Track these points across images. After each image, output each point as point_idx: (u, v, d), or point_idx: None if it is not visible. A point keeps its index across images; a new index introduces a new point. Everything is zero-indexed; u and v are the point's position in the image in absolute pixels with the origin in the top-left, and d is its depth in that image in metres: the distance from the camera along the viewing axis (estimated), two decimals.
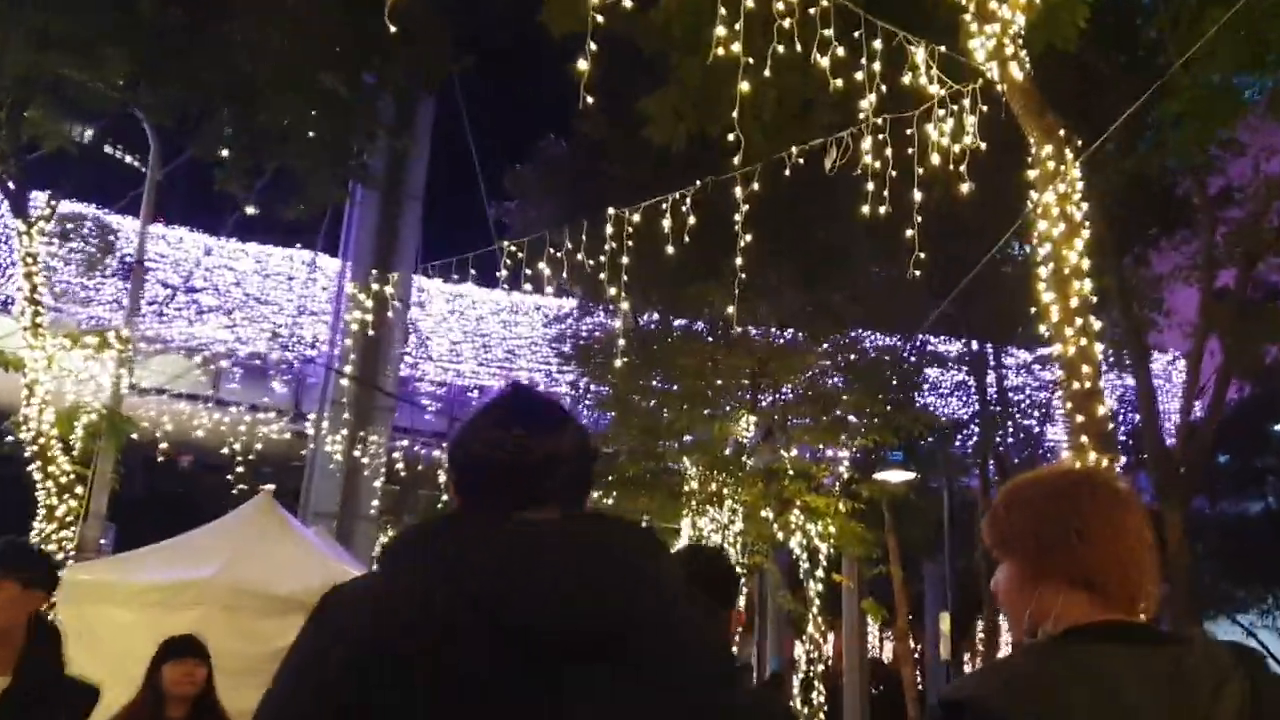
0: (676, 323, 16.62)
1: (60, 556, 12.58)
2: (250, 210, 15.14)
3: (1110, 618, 1.72)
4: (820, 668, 17.13)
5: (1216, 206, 13.92)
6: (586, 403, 16.75)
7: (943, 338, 23.62)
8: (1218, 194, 14.29)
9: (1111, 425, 6.45)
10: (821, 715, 17.75)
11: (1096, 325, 6.73)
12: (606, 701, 1.45)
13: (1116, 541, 1.74)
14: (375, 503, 21.61)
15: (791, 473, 14.44)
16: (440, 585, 1.45)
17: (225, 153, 14.33)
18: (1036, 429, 24.86)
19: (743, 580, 19.47)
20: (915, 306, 17.63)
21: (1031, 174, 7.18)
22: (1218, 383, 13.49)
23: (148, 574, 12.19)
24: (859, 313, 18.28)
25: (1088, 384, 6.48)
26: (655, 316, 16.57)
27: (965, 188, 7.00)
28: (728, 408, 15.63)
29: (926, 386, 20.29)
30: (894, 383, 17.18)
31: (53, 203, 13.31)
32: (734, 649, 3.04)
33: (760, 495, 15.72)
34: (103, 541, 15.90)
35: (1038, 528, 1.79)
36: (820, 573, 15.70)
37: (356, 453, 20.97)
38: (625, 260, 8.66)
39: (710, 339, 15.07)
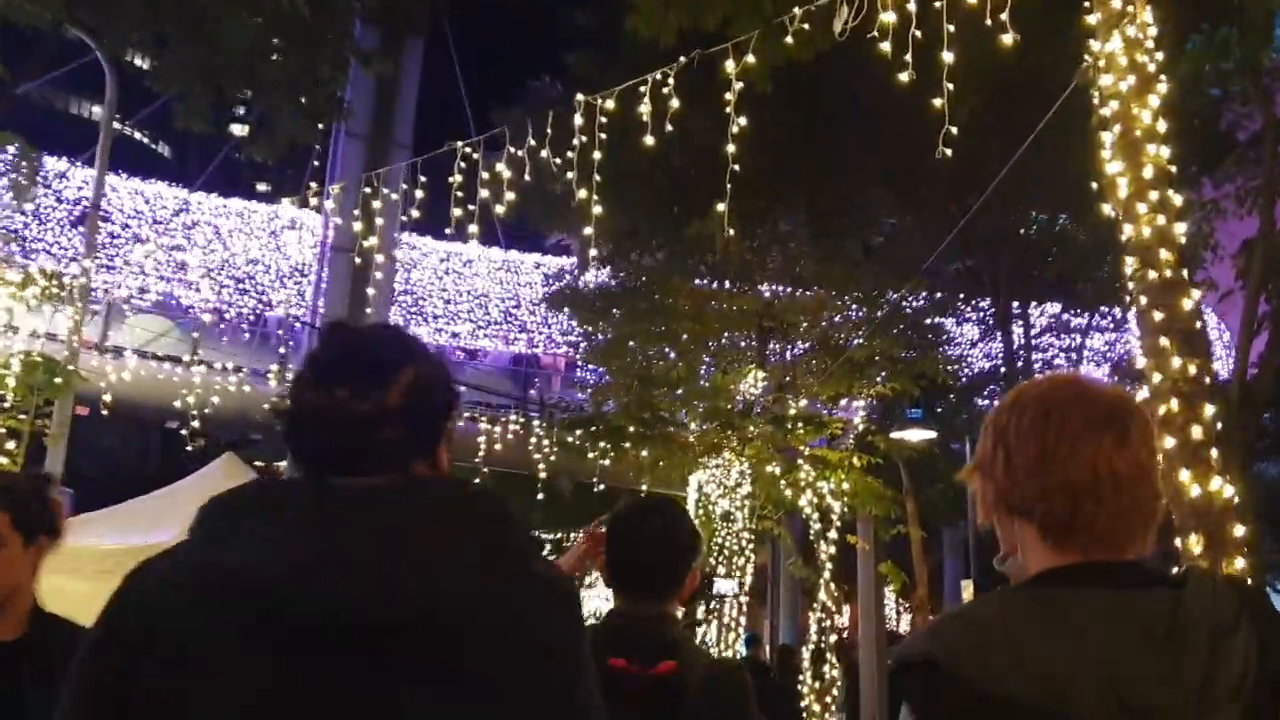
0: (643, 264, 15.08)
1: None
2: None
3: (1088, 559, 1.49)
4: (833, 638, 15.74)
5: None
6: (581, 358, 15.41)
7: (963, 298, 22.17)
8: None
9: (1199, 324, 4.99)
10: (835, 690, 16.39)
11: (1177, 200, 5.26)
12: (396, 707, 1.30)
13: (1077, 467, 1.49)
14: None
15: (801, 423, 12.97)
16: (213, 566, 1.34)
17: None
18: None
19: (750, 547, 18.23)
20: (936, 259, 16.25)
21: (1092, 19, 5.70)
22: (1273, 329, 11.94)
23: (102, 539, 11.29)
24: (874, 266, 16.81)
25: (1168, 272, 5.04)
26: (650, 259, 15.13)
27: (1009, 39, 5.52)
28: (733, 360, 14.20)
29: (947, 340, 18.76)
30: (913, 330, 15.70)
31: None
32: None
33: (764, 447, 14.31)
34: None
35: (991, 446, 1.59)
36: (833, 534, 14.25)
37: None
38: (597, 155, 7.24)
39: (712, 282, 13.58)
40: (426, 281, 25.88)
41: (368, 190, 13.07)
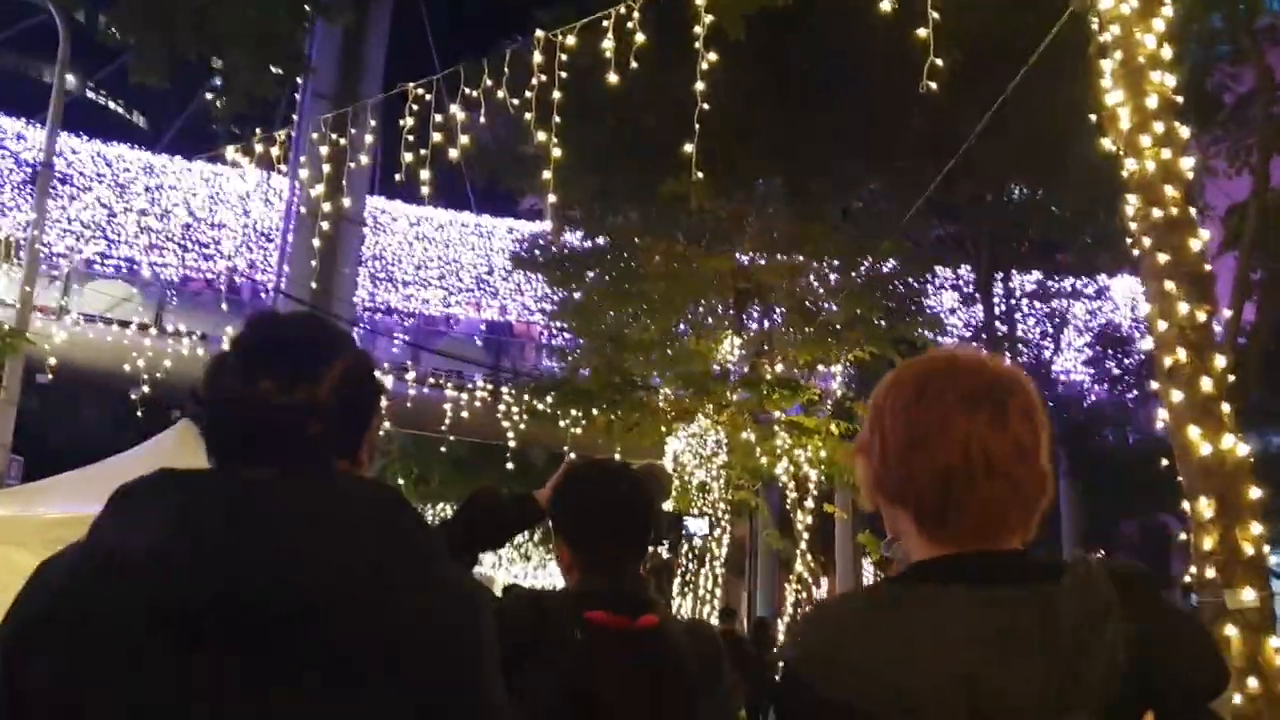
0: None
1: None
2: None
3: (960, 550, 1.39)
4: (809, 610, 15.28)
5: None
6: (556, 324, 14.90)
7: (943, 265, 21.77)
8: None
9: (1208, 268, 4.52)
10: None
11: (1184, 133, 4.78)
12: (268, 700, 1.27)
13: (946, 449, 1.38)
14: None
15: (777, 388, 12.49)
16: (101, 554, 1.32)
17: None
18: (1048, 355, 23.06)
19: (726, 518, 17.85)
20: (914, 226, 15.79)
21: None
22: (1264, 292, 11.52)
23: (51, 507, 10.83)
24: (851, 230, 16.30)
25: (1174, 210, 4.57)
26: (623, 218, 14.56)
27: None
28: (709, 322, 13.72)
29: (923, 304, 18.33)
30: (894, 290, 15.21)
31: None
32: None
33: (740, 414, 13.87)
34: (10, 480, 14.26)
35: (869, 428, 1.50)
36: (810, 503, 13.82)
37: None
38: (557, 95, 6.72)
39: (686, 241, 13.04)
40: (396, 246, 25.22)
41: (317, 139, 12.46)
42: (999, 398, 1.41)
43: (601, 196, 13.71)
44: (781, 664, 1.39)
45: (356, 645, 1.30)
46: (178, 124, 20.37)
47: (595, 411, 13.33)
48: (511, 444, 20.04)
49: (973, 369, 1.45)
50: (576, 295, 14.42)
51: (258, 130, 14.54)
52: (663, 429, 14.01)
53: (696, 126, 6.25)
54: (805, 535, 13.95)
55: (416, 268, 25.05)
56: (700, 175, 7.77)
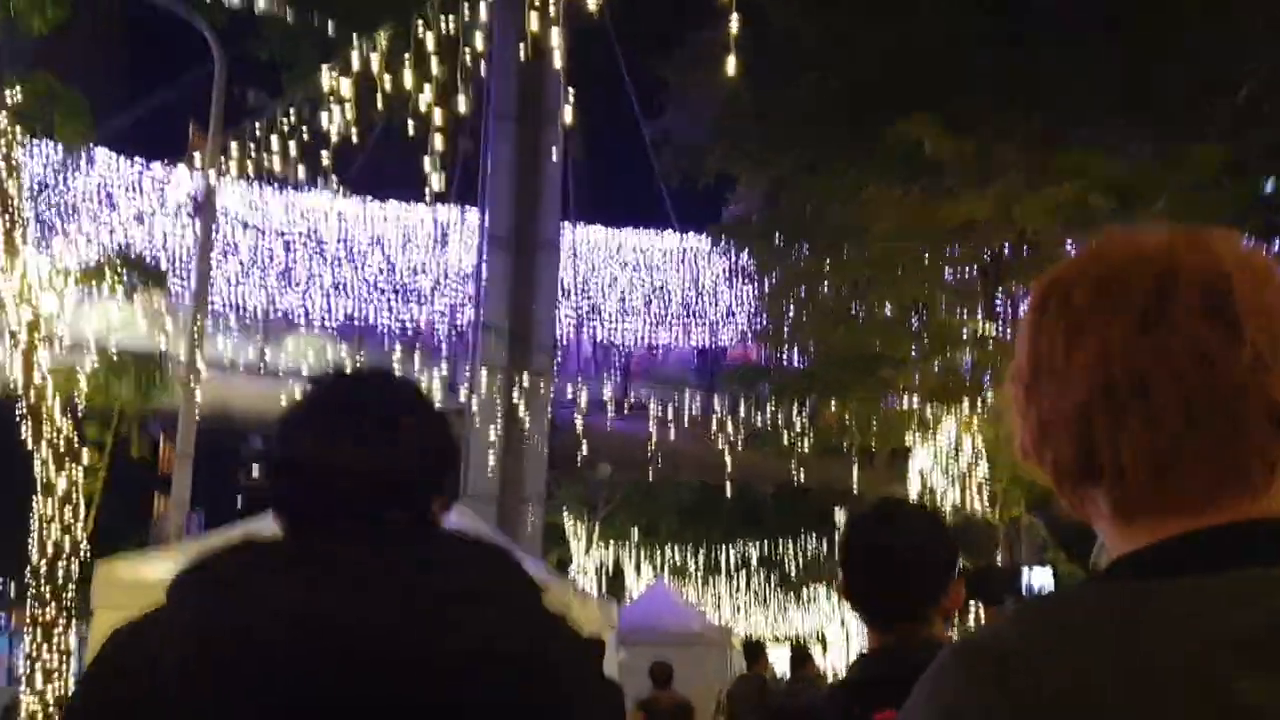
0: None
1: (67, 545, 9.36)
2: None
3: (1204, 523, 0.88)
4: None
5: None
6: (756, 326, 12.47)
7: None
8: None
9: None
10: None
11: None
12: None
13: (1081, 376, 0.90)
14: (539, 482, 18.00)
15: None
16: (205, 632, 1.24)
17: None
18: None
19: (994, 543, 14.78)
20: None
21: None
22: None
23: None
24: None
25: None
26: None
27: None
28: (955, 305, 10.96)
29: None
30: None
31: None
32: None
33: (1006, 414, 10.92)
34: (189, 537, 13.01)
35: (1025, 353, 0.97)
36: None
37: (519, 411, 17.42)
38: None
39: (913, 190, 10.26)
40: (596, 273, 23.51)
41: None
42: (1153, 290, 0.88)
43: (809, 170, 11.26)
44: (981, 653, 0.88)
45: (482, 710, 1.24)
46: (357, 164, 19.51)
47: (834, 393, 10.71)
48: (729, 475, 17.73)
49: (1120, 249, 0.92)
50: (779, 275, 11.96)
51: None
52: (908, 432, 11.25)
53: None
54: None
55: (620, 296, 23.22)
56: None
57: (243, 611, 1.22)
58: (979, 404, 11.16)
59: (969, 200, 9.10)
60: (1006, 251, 10.64)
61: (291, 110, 11.56)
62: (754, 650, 10.44)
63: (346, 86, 10.47)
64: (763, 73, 11.59)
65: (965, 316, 10.83)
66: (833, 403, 10.92)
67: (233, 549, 1.30)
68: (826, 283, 10.97)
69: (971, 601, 13.79)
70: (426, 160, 11.09)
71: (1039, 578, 13.72)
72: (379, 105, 12.16)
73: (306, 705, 1.19)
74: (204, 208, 12.92)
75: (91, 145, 10.91)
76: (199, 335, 12.82)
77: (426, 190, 11.63)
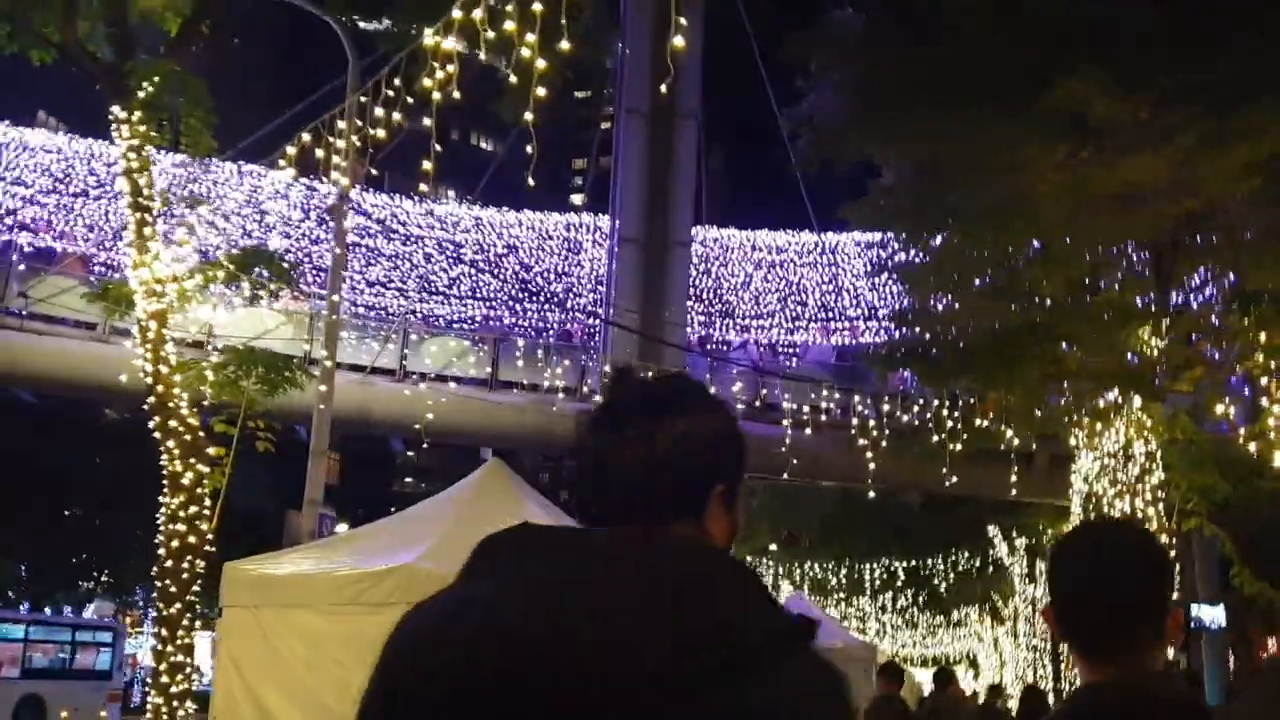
0: None
1: (192, 539, 9.19)
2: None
3: None
4: None
5: None
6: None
7: None
8: None
9: None
10: None
11: None
12: None
13: None
14: None
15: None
16: (436, 616, 1.20)
17: None
18: None
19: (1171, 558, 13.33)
20: None
21: None
22: None
23: (338, 564, 9.06)
24: None
25: None
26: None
27: None
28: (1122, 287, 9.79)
29: None
30: None
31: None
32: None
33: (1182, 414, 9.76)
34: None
35: None
36: None
37: None
38: None
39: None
40: (729, 275, 22.73)
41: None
42: None
43: (963, 141, 10.24)
44: None
45: None
46: (489, 171, 19.38)
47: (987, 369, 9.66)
48: (873, 485, 16.64)
49: None
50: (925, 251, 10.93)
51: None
52: (1073, 429, 10.07)
53: None
54: None
55: (756, 297, 22.37)
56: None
57: (454, 599, 1.20)
58: (1152, 395, 9.92)
59: (1141, 163, 7.98)
60: (1184, 225, 9.40)
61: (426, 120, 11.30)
62: (892, 671, 9.59)
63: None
64: (907, 44, 10.69)
65: (1139, 296, 9.62)
66: (988, 393, 9.85)
67: (504, 532, 1.26)
68: (984, 258, 9.90)
69: None
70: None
71: (1209, 614, 12.37)
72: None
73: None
74: (338, 210, 12.75)
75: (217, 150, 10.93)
76: (332, 332, 12.68)
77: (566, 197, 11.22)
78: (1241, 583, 12.64)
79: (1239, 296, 7.81)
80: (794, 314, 22.22)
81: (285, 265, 11.05)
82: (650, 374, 1.48)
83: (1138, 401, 12.00)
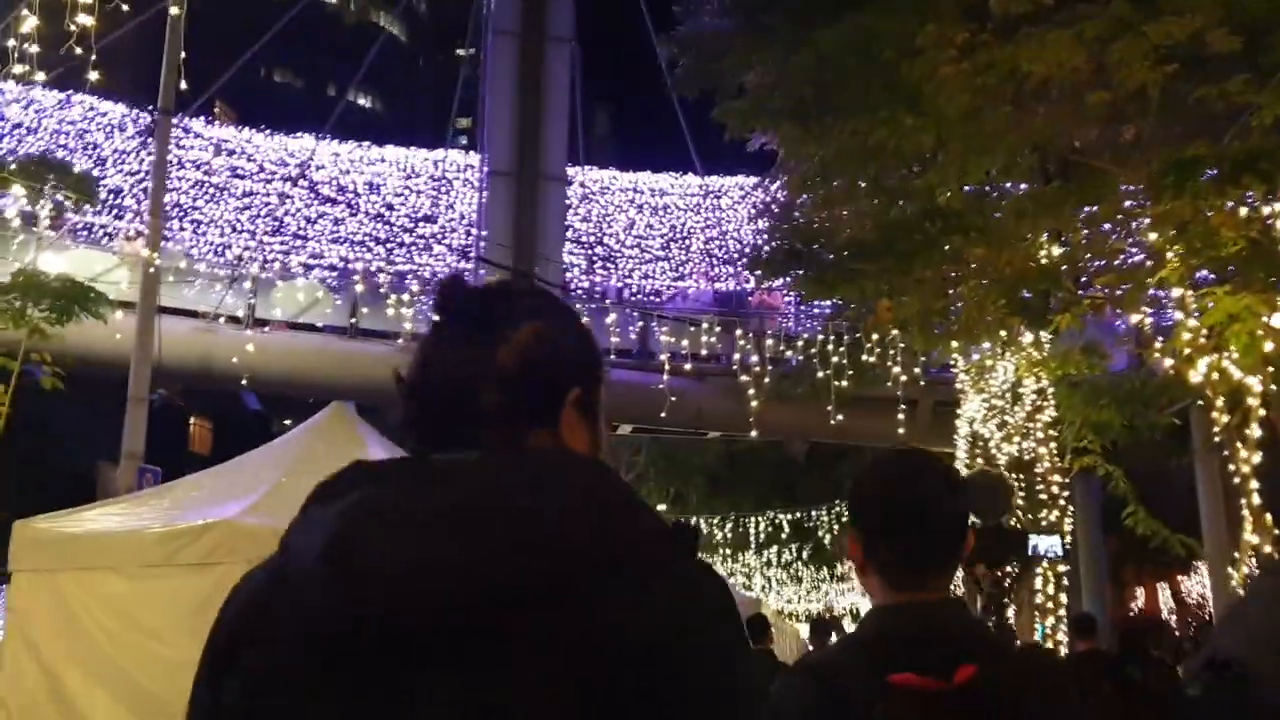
0: None
1: None
2: None
3: None
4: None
5: None
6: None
7: None
8: None
9: None
10: None
11: None
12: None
13: None
14: None
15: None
16: (277, 564, 1.16)
17: None
18: None
19: (1065, 494, 12.85)
20: None
21: None
22: None
23: (151, 522, 7.72)
24: None
25: None
26: None
27: None
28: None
29: None
30: None
31: None
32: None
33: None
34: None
35: None
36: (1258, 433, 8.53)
37: None
38: None
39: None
40: (610, 217, 21.69)
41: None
42: None
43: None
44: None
45: (567, 661, 1.00)
46: (337, 111, 17.97)
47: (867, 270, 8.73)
48: (756, 432, 15.86)
49: None
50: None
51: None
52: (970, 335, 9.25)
53: None
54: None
55: (637, 240, 21.39)
56: None
57: (294, 545, 1.12)
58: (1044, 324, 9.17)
59: (1055, 44, 7.07)
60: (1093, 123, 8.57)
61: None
62: (758, 625, 9.07)
63: None
64: None
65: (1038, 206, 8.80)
66: (880, 302, 9.00)
67: (338, 473, 1.17)
68: (874, 158, 8.98)
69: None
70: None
71: (1046, 544, 12.13)
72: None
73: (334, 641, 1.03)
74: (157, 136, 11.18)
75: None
76: (148, 268, 11.15)
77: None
78: (1135, 522, 12.25)
79: (1173, 166, 6.98)
80: (678, 260, 21.37)
81: (81, 178, 9.51)
82: (480, 283, 1.26)
83: (1028, 337, 11.38)
